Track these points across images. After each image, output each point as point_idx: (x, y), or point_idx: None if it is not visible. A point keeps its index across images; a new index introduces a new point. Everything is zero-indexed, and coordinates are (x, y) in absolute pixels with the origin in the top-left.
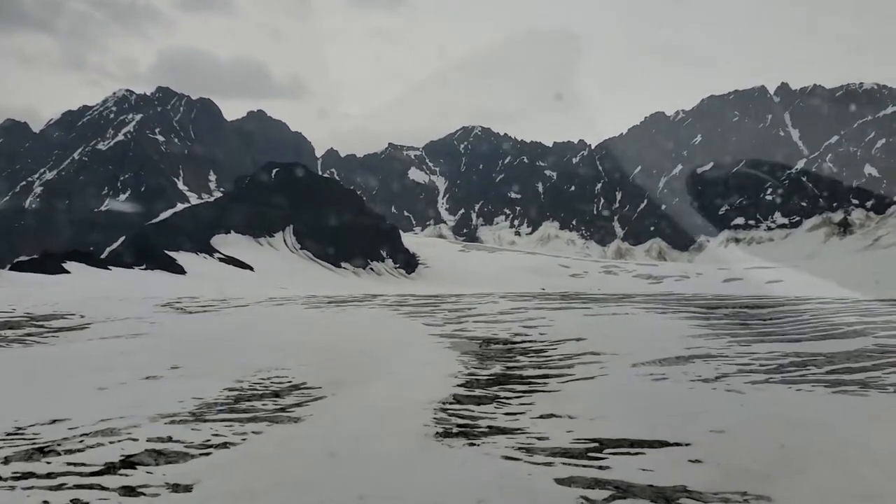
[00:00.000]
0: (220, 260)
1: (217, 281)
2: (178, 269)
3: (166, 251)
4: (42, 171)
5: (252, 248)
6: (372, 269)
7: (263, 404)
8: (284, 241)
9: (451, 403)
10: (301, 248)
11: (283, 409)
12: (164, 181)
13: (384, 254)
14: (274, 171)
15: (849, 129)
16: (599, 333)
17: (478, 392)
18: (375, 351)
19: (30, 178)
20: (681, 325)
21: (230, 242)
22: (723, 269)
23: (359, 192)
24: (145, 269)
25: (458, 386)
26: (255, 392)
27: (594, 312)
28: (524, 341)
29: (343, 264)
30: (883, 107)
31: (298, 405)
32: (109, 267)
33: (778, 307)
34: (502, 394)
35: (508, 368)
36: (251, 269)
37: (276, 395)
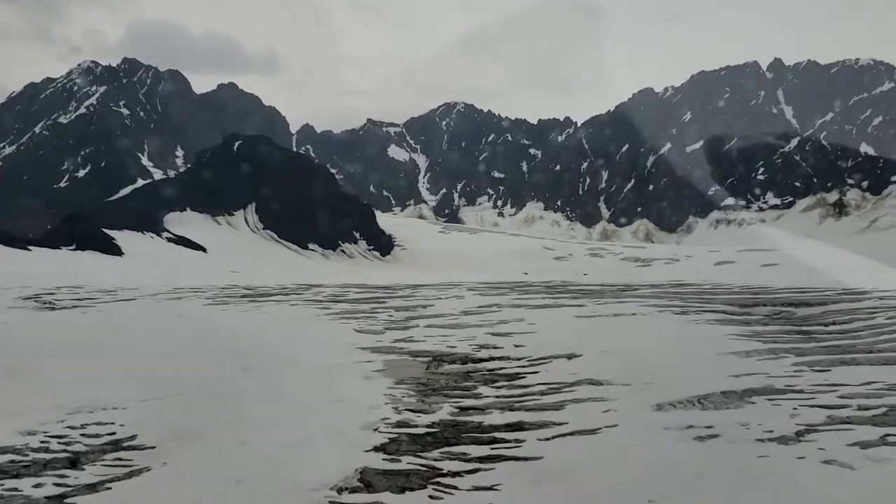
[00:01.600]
0: (169, 240)
1: (159, 263)
2: (115, 250)
3: (106, 230)
4: (2, 145)
5: (208, 227)
6: (343, 251)
7: (37, 485)
8: (245, 220)
9: (352, 490)
10: (264, 228)
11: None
12: (126, 156)
13: (357, 235)
14: (237, 144)
15: (844, 107)
16: (599, 346)
17: (405, 461)
18: (268, 377)
19: None
20: (712, 332)
21: (185, 221)
22: (714, 251)
23: (334, 170)
24: (75, 249)
25: (376, 449)
26: (40, 456)
27: (589, 312)
28: (492, 358)
29: (311, 246)
30: (879, 83)
31: (93, 488)
32: (30, 248)
33: (832, 304)
34: (445, 465)
35: (462, 411)
36: (204, 250)
37: (74, 462)
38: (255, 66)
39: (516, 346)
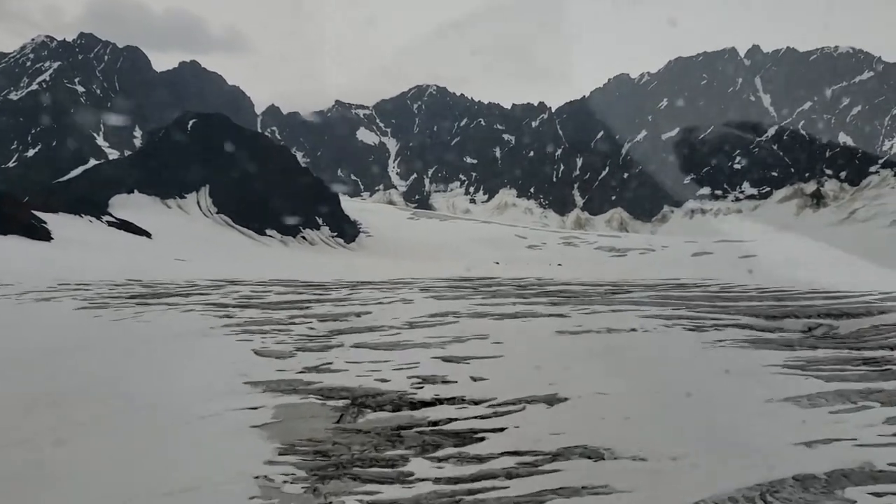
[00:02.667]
0: (110, 224)
1: (91, 250)
2: (42, 235)
3: (37, 213)
4: None
5: (157, 210)
6: (304, 237)
7: None
8: (198, 203)
9: None
10: (218, 213)
11: None
12: (79, 136)
13: (320, 221)
14: (191, 122)
15: (822, 96)
16: (592, 384)
17: None
18: (92, 443)
19: None
20: (748, 361)
21: (131, 204)
22: (690, 241)
23: (300, 153)
24: None
25: None
26: None
27: (574, 325)
28: (437, 401)
29: (268, 232)
30: (859, 72)
31: None
32: None
33: (879, 314)
34: None
35: None
36: (148, 235)
37: None
38: (220, 45)
39: (474, 380)
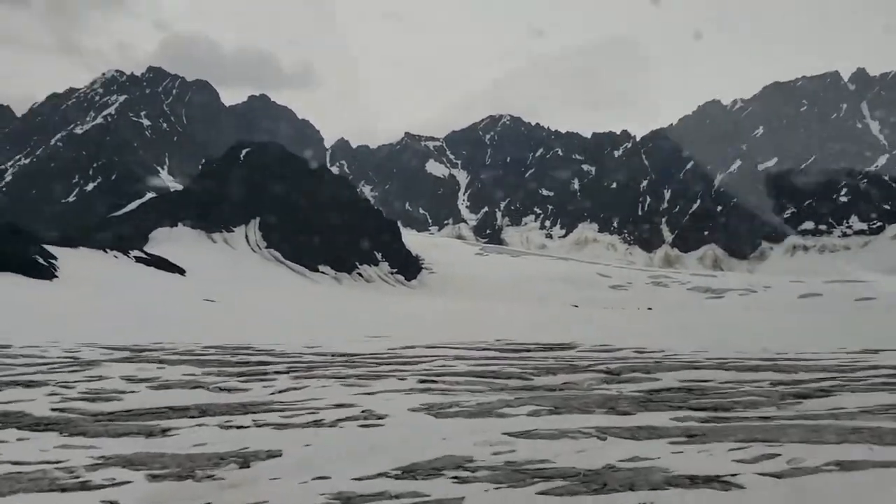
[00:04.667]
0: (139, 260)
1: (98, 291)
2: (44, 273)
3: (47, 247)
4: (18, 157)
5: (200, 245)
6: (360, 274)
7: None
8: (246, 237)
9: None
10: (267, 247)
11: None
12: (139, 169)
13: (379, 256)
14: (244, 152)
15: None
16: None
17: None
18: None
19: (4, 166)
20: None
21: (174, 238)
22: (796, 281)
23: (369, 187)
24: None
25: None
26: None
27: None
28: None
29: (321, 268)
30: None
31: None
32: None
33: None
34: None
35: None
36: (182, 272)
37: None
38: (290, 81)
39: None
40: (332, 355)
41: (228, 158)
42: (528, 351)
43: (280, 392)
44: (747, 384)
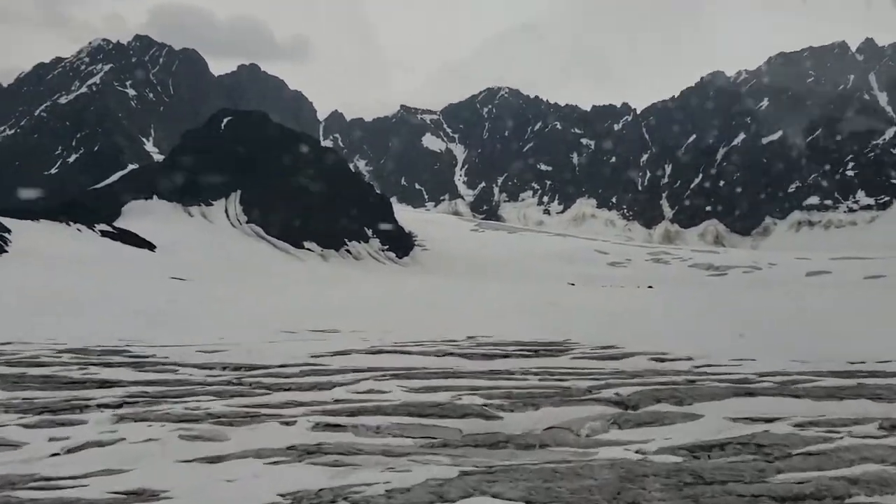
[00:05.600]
0: (104, 234)
1: (53, 266)
2: None
3: (2, 218)
4: (3, 128)
5: (176, 219)
6: (348, 251)
7: None
8: (226, 211)
9: None
10: (247, 222)
11: None
12: (123, 140)
13: (369, 232)
14: (225, 120)
15: None
16: None
17: None
18: None
19: None
20: None
21: (148, 210)
22: (802, 258)
23: (363, 161)
24: None
25: None
26: None
27: None
28: None
29: (306, 244)
30: None
31: None
32: None
33: None
34: None
35: None
36: (151, 247)
37: None
38: (284, 53)
39: None
40: (224, 368)
41: (209, 128)
42: (506, 356)
43: (66, 452)
44: (842, 430)
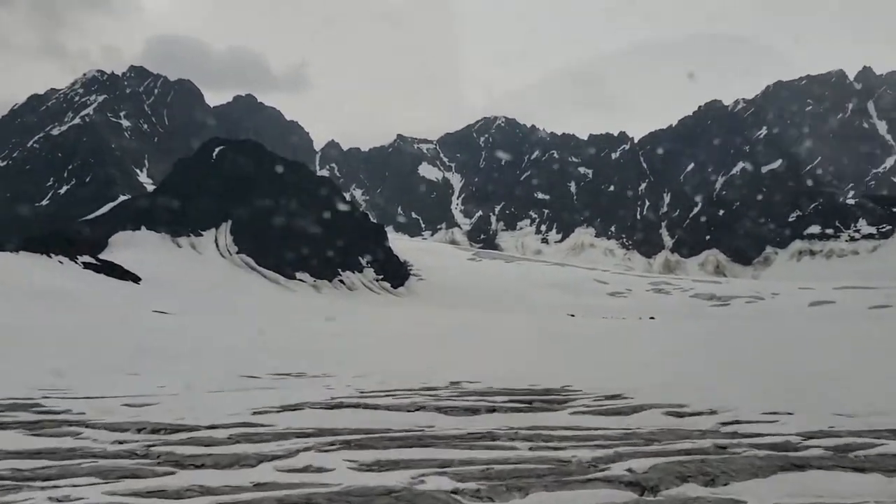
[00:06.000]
0: (87, 266)
1: (28, 300)
2: None
3: None
4: None
5: (163, 250)
6: (342, 281)
7: None
8: (216, 241)
9: None
10: (238, 252)
11: None
12: (116, 171)
13: (363, 262)
14: (216, 150)
15: None
16: None
17: None
18: None
19: None
20: None
21: (136, 242)
22: (805, 288)
23: (358, 190)
24: None
25: None
26: None
27: None
28: None
29: (298, 275)
30: None
31: None
32: None
33: None
34: None
35: None
36: (136, 280)
37: None
38: (281, 84)
39: None
40: (140, 430)
41: (200, 157)
42: (492, 410)
43: None
44: None
